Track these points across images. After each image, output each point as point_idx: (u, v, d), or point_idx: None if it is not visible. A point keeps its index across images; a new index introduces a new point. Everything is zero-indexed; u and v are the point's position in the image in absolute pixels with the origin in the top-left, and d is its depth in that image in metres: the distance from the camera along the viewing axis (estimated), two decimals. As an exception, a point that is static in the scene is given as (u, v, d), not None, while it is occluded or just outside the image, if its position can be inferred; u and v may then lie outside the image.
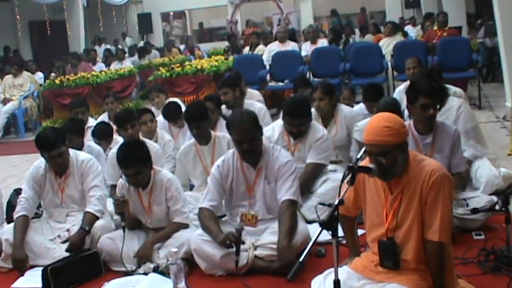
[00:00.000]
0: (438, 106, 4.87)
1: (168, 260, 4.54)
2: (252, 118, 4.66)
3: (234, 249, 4.35)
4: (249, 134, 4.58)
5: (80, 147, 6.05)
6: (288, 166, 4.66)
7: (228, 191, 4.78)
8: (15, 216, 5.16)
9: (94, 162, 5.30)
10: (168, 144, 6.67)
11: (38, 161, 5.28)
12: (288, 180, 4.62)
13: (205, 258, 4.51)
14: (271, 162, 4.69)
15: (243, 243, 4.44)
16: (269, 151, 4.73)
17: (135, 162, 4.69)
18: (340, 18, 23.69)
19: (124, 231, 4.75)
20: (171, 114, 7.20)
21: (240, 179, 4.75)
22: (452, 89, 6.58)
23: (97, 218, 5.04)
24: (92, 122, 7.63)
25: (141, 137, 6.14)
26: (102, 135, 6.68)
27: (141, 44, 21.52)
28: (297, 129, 5.57)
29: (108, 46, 21.15)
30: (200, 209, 4.71)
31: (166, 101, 8.11)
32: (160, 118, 7.32)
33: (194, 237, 4.58)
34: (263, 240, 4.54)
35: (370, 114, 6.56)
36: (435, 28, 13.01)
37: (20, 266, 4.92)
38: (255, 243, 4.53)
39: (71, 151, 5.27)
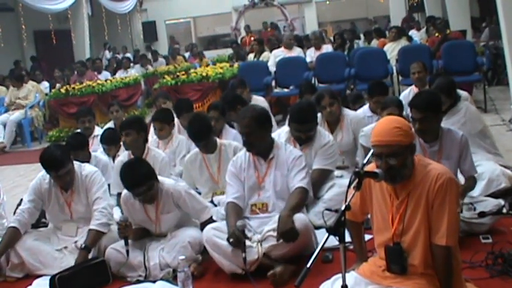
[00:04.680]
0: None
1: (172, 270, 4.60)
2: (255, 115, 4.84)
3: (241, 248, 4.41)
4: (246, 128, 4.80)
5: (87, 158, 6.07)
6: (301, 159, 4.87)
7: (242, 182, 4.90)
8: (8, 225, 5.16)
9: (97, 174, 5.27)
10: (181, 144, 6.71)
11: (43, 173, 5.23)
12: (301, 172, 4.80)
13: (217, 249, 4.54)
14: (283, 155, 4.87)
15: (249, 239, 4.50)
16: (281, 146, 4.95)
17: (144, 179, 4.70)
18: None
19: (128, 255, 4.75)
20: (180, 108, 7.23)
21: (251, 170, 4.89)
22: (458, 92, 6.59)
23: (101, 234, 5.02)
24: (98, 131, 7.65)
25: (148, 146, 6.15)
26: (110, 140, 6.76)
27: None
28: (305, 135, 5.58)
29: (117, 55, 21.31)
30: (226, 203, 4.83)
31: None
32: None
33: (207, 229, 4.65)
34: (265, 230, 4.61)
35: (374, 116, 6.59)
36: (437, 34, 13.03)
37: None
38: (260, 239, 4.57)
39: (76, 164, 5.23)
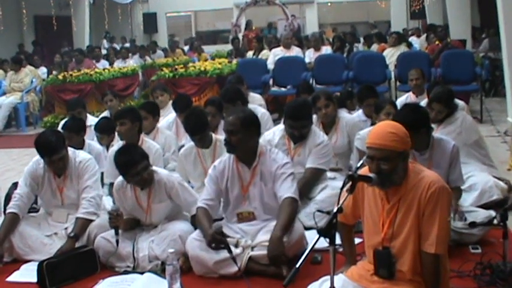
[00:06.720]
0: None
1: (161, 263, 4.60)
2: (242, 116, 4.70)
3: (226, 249, 4.42)
4: (230, 127, 4.65)
5: (80, 145, 6.07)
6: (286, 168, 4.69)
7: (224, 191, 4.80)
8: (7, 211, 5.14)
9: (91, 162, 5.27)
10: (169, 140, 6.68)
11: (37, 157, 5.22)
12: (287, 180, 4.63)
13: (200, 262, 4.52)
14: (267, 164, 4.71)
15: (228, 237, 4.52)
16: (266, 153, 4.76)
17: (139, 158, 4.73)
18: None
19: (117, 245, 4.74)
20: (180, 105, 7.22)
21: (234, 179, 4.77)
22: (455, 102, 6.60)
23: (89, 222, 5.02)
24: (91, 121, 7.60)
25: (142, 136, 6.15)
26: (103, 129, 6.75)
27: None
28: (299, 132, 5.58)
29: (115, 45, 21.27)
30: (196, 209, 4.74)
31: (170, 101, 8.09)
32: (169, 117, 7.41)
33: (190, 241, 4.60)
34: (258, 239, 4.55)
35: (368, 120, 6.59)
36: (437, 42, 13.05)
37: None
38: (252, 244, 4.54)
39: (70, 150, 5.23)
